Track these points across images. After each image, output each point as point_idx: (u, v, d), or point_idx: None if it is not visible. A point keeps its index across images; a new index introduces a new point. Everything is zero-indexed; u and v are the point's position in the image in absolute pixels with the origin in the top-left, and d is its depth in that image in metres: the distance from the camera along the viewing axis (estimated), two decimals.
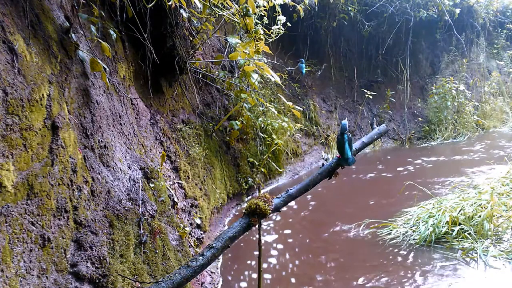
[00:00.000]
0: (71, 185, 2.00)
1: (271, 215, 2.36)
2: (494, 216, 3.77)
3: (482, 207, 3.87)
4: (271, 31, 5.45)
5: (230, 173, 5.17)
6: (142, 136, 3.39)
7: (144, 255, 2.46)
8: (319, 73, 8.80)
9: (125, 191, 2.58)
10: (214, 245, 2.12)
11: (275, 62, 7.24)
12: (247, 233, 2.41)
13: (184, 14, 3.67)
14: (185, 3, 3.63)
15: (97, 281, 1.95)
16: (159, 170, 3.19)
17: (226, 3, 4.12)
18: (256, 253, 2.63)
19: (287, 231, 4.31)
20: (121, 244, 2.24)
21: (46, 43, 2.02)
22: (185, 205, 3.67)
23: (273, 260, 3.66)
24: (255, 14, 4.82)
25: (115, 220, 2.28)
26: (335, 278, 3.28)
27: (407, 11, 9.07)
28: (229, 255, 3.80)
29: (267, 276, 3.34)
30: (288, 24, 6.11)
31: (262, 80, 6.26)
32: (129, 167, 2.80)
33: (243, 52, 4.41)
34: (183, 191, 3.76)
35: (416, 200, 4.59)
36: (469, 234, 3.64)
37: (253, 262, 3.62)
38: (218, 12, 4.14)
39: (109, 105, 2.75)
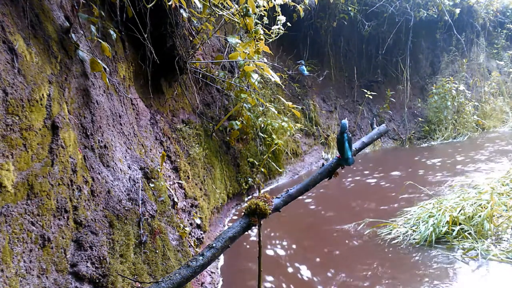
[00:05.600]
0: (71, 185, 2.00)
1: (271, 214, 2.36)
2: (494, 216, 3.77)
3: (482, 207, 3.87)
4: (271, 31, 5.45)
5: (230, 173, 5.17)
6: (142, 136, 3.39)
7: (144, 255, 2.46)
8: (320, 79, 8.79)
9: (125, 191, 2.58)
10: (214, 245, 2.12)
11: (275, 63, 7.24)
12: (247, 233, 2.41)
13: (184, 14, 3.67)
14: (185, 3, 3.63)
15: (97, 281, 1.95)
16: (159, 170, 3.19)
17: (226, 3, 4.12)
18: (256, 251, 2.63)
19: (287, 231, 4.31)
20: (121, 244, 2.24)
21: (46, 43, 2.02)
22: (185, 205, 3.67)
23: (273, 260, 3.66)
24: (255, 14, 4.82)
25: (115, 220, 2.28)
26: (334, 278, 3.28)
27: (407, 11, 9.07)
28: (229, 255, 3.80)
29: (266, 275, 3.34)
30: (288, 24, 6.11)
31: (262, 80, 6.26)
32: (129, 167, 2.80)
33: (243, 52, 4.41)
34: (183, 191, 3.76)
35: (416, 200, 4.59)
36: (470, 234, 3.64)
37: (253, 262, 3.62)
38: (218, 12, 4.14)
39: (109, 105, 2.75)
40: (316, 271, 3.43)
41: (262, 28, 4.86)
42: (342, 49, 9.52)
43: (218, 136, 5.15)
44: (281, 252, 3.81)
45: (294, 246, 3.97)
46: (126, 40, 3.41)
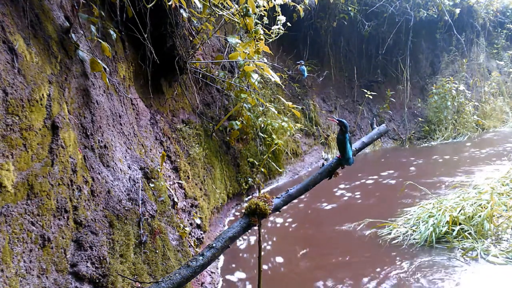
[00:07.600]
0: (71, 185, 2.00)
1: (271, 214, 2.36)
2: (494, 216, 3.77)
3: (482, 207, 3.87)
4: (271, 31, 5.45)
5: (230, 173, 5.17)
6: (142, 136, 3.39)
7: (144, 255, 2.45)
8: (320, 79, 8.78)
9: (125, 191, 2.58)
10: (214, 245, 2.12)
11: (275, 63, 7.24)
12: (247, 233, 2.41)
13: (184, 14, 3.67)
14: (185, 3, 3.63)
15: (97, 281, 1.95)
16: (159, 170, 3.19)
17: (226, 3, 4.12)
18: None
19: (287, 231, 4.31)
20: (121, 244, 2.24)
21: (46, 43, 2.02)
22: (185, 205, 3.67)
23: (273, 259, 3.66)
24: (255, 14, 4.82)
25: (115, 220, 2.28)
26: (335, 278, 3.28)
27: (407, 11, 9.07)
28: (229, 255, 3.80)
29: (266, 275, 3.34)
30: (288, 24, 6.11)
31: (262, 80, 6.26)
32: (129, 167, 2.80)
33: (243, 52, 4.41)
34: (183, 191, 3.76)
35: (416, 200, 4.59)
36: (470, 234, 3.64)
37: (253, 262, 3.61)
38: (218, 12, 4.14)
39: (109, 105, 2.75)
40: (316, 271, 3.43)
41: (262, 28, 4.86)
42: (342, 49, 9.52)
43: (218, 136, 5.15)
44: (281, 252, 3.81)
45: (293, 246, 3.97)
46: (126, 40, 3.41)
